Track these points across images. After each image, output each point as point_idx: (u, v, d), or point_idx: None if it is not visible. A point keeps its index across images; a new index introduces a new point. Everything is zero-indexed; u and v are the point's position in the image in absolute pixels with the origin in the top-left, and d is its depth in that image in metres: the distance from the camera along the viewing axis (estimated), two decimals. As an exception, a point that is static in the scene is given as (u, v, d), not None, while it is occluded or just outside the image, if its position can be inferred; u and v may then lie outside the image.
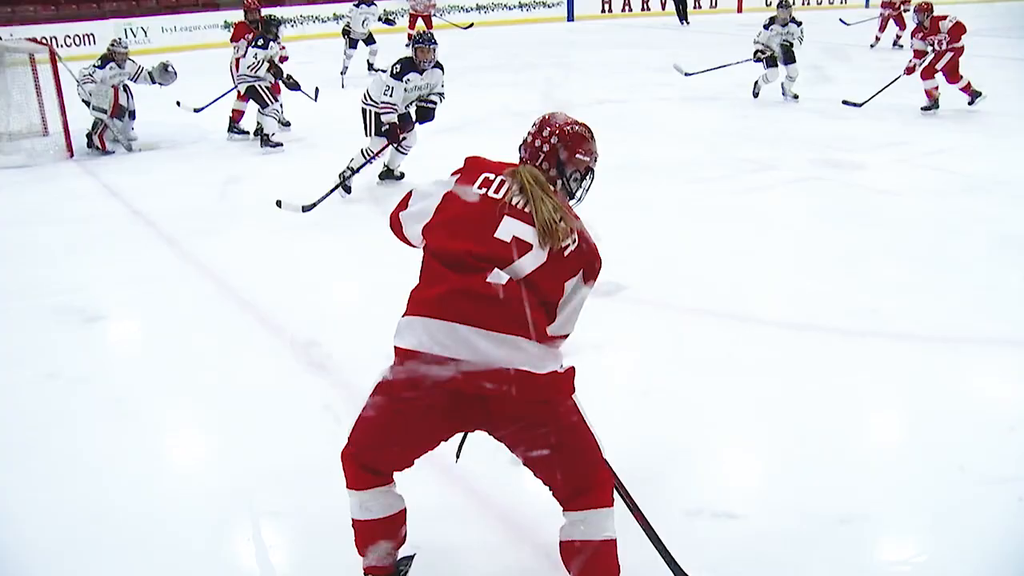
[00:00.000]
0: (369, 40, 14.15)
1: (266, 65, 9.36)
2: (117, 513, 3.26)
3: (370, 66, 14.24)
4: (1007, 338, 4.63)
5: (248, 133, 10.01)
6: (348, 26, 14.04)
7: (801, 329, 4.74)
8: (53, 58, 9.33)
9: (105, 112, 9.44)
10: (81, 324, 5.03)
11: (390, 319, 2.50)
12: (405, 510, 2.65)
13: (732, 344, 4.61)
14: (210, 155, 9.50)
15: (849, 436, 3.74)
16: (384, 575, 2.65)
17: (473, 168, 2.61)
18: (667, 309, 5.06)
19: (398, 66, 7.18)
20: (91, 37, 18.44)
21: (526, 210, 2.46)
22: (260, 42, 9.35)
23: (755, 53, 11.49)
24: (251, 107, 9.79)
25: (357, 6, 14.04)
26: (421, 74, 7.24)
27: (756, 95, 11.77)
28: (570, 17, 25.21)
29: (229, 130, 10.07)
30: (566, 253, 2.45)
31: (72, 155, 9.32)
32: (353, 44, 14.03)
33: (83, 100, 9.40)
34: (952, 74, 10.51)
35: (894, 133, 9.61)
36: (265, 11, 10.47)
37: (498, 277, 2.37)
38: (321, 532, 3.02)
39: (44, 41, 10.39)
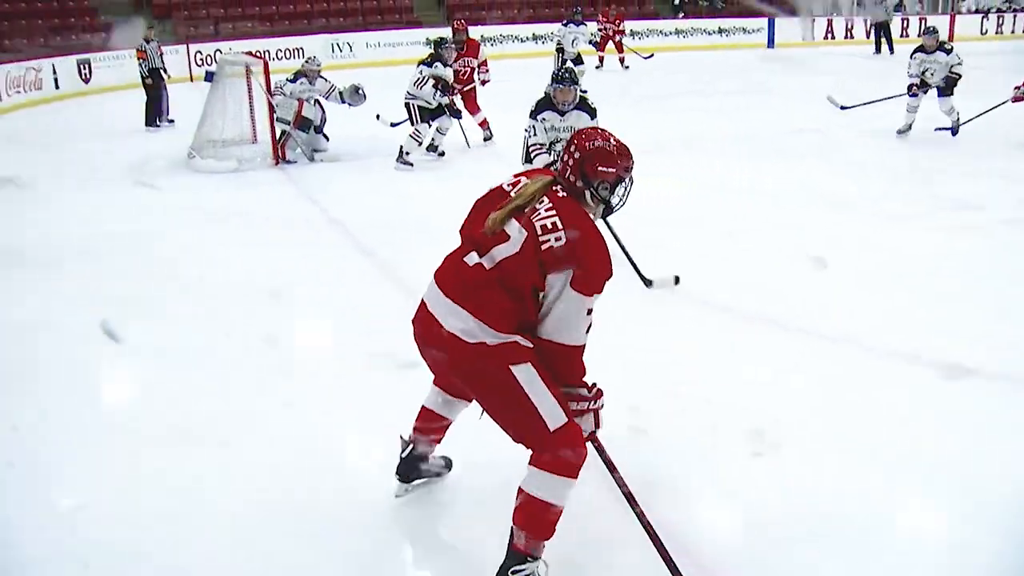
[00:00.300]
0: (577, 60, 14.18)
1: (431, 82, 9.53)
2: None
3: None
4: None
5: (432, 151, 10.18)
6: (560, 45, 14.14)
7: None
8: (267, 70, 9.73)
9: (288, 123, 9.86)
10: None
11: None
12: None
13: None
14: (388, 169, 9.63)
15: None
16: None
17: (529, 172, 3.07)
18: (863, 350, 4.79)
19: (535, 104, 6.86)
20: (300, 51, 19.23)
21: None
22: (427, 60, 9.70)
23: (909, 87, 10.61)
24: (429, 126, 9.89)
25: (566, 25, 14.16)
26: (561, 115, 6.76)
27: (902, 131, 10.79)
28: (770, 43, 24.81)
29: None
30: (543, 248, 2.74)
31: (277, 163, 9.74)
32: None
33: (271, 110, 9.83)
34: None
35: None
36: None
37: (471, 258, 2.84)
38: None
39: (258, 54, 10.90)
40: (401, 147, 9.57)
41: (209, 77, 10.85)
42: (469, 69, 10.91)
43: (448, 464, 3.50)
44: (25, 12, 20.15)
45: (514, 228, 2.80)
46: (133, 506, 3.39)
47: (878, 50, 22.39)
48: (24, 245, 7.04)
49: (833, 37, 24.85)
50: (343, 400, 4.25)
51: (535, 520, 2.82)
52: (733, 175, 9.00)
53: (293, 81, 9.83)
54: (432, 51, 9.91)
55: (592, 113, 6.83)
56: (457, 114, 10.01)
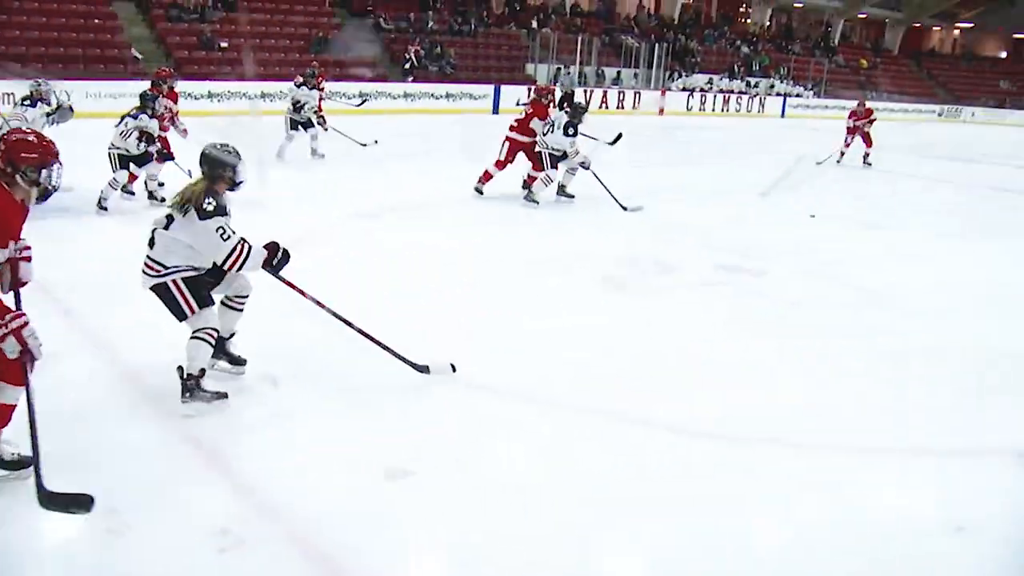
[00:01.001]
0: (308, 124, 13.94)
1: (136, 134, 9.54)
2: None
3: (313, 151, 14.23)
4: (905, 447, 4.80)
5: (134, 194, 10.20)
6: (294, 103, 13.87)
7: (695, 436, 4.80)
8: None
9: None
10: None
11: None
12: None
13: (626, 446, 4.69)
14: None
15: (738, 537, 3.82)
16: None
17: None
18: (556, 408, 5.10)
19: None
20: (10, 96, 18.26)
21: None
22: (132, 112, 9.70)
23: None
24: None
25: (299, 87, 14.00)
26: None
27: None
28: (495, 110, 25.77)
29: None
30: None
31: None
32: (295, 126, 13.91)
33: None
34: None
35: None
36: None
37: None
38: None
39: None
40: (101, 192, 9.49)
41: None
42: (170, 113, 10.88)
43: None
44: None
45: None
46: None
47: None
48: None
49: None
50: None
51: None
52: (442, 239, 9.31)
53: (33, 106, 9.49)
54: (139, 103, 9.79)
55: None
56: (169, 156, 9.95)
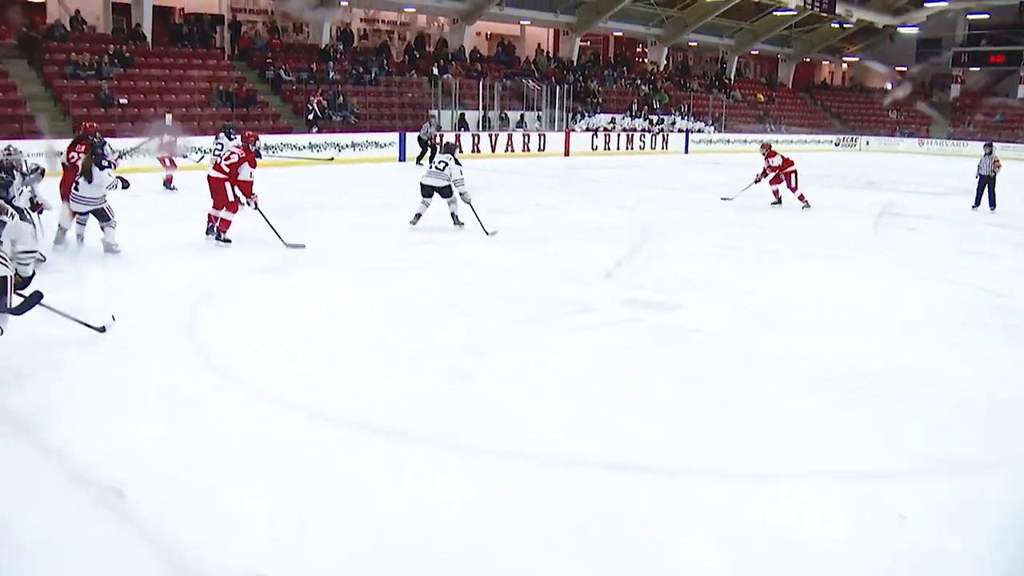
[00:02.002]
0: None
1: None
2: None
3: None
4: (812, 470, 4.84)
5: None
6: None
7: (616, 469, 4.80)
8: None
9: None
10: None
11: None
12: None
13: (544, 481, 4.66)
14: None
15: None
16: None
17: None
18: (466, 449, 5.08)
19: None
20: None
21: None
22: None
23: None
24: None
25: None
26: None
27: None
28: (402, 157, 25.81)
29: None
30: None
31: None
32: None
33: None
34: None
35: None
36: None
37: None
38: None
39: None
40: None
41: None
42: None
43: None
44: None
45: None
46: None
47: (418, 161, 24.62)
48: None
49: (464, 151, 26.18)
50: None
51: None
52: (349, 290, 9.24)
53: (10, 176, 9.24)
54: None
55: None
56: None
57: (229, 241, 11.17)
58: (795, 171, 16.61)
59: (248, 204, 11.15)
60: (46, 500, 4.33)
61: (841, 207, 17.64)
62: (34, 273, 6.33)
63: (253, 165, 11.21)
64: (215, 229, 11.24)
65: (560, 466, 4.82)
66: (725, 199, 17.34)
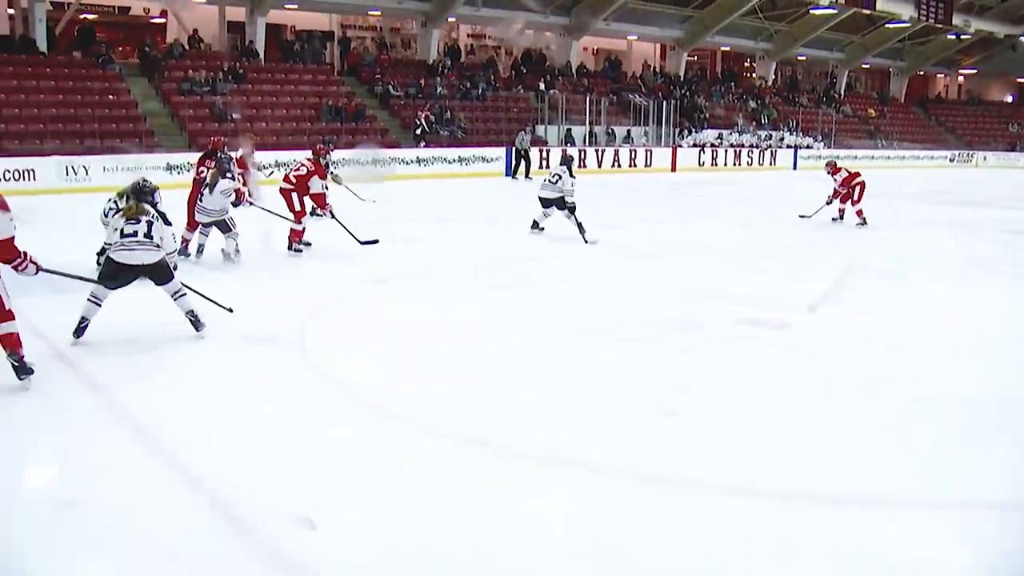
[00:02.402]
0: None
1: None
2: None
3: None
4: (927, 500, 4.71)
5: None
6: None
7: (729, 493, 4.74)
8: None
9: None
10: None
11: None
12: None
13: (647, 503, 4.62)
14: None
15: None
16: None
17: None
18: (581, 468, 5.04)
19: None
20: (31, 173, 18.57)
21: None
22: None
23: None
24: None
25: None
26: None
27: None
28: (508, 172, 25.94)
29: None
30: None
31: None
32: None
33: None
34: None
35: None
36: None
37: None
38: None
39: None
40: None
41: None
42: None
43: None
44: None
45: None
46: None
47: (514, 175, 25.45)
48: None
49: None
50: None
51: None
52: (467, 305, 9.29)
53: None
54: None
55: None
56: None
57: (300, 251, 11.57)
58: (862, 183, 16.02)
59: (323, 215, 11.64)
60: (155, 496, 4.51)
61: (958, 225, 17.13)
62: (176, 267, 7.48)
63: (323, 177, 11.82)
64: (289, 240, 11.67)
65: (684, 488, 4.78)
66: (803, 216, 16.88)
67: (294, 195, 11.51)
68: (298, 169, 11.77)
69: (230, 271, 10.38)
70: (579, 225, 12.78)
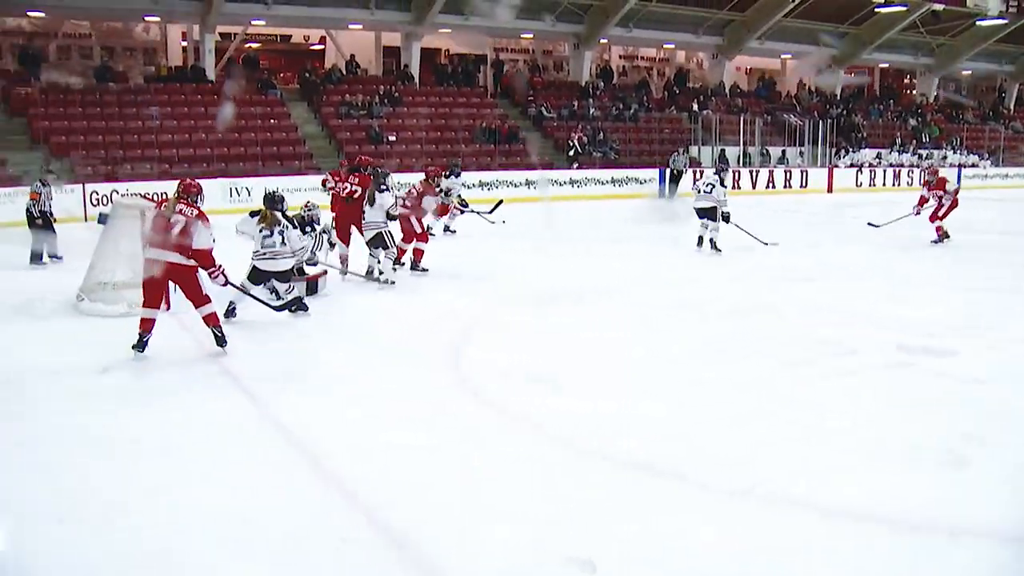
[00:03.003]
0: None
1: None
2: None
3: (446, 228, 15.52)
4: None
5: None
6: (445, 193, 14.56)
7: (890, 523, 4.58)
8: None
9: None
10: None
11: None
12: None
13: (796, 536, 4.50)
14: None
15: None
16: None
17: None
18: (742, 496, 4.95)
19: None
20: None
21: None
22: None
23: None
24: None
25: (447, 176, 14.73)
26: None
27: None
28: (663, 193, 25.73)
29: None
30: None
31: (168, 308, 8.55)
32: None
33: None
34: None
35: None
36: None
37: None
38: None
39: (152, 197, 10.91)
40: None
41: (102, 219, 10.77)
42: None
43: None
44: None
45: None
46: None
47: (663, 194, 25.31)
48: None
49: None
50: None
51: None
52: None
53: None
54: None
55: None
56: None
57: (427, 270, 11.95)
58: (956, 200, 15.94)
59: (453, 218, 13.49)
60: (308, 504, 4.62)
61: None
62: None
63: (435, 195, 12.53)
64: (411, 261, 12.01)
65: (846, 520, 4.63)
66: (872, 225, 16.44)
67: (412, 219, 11.83)
68: (409, 193, 12.21)
69: (380, 289, 10.80)
70: (748, 231, 13.38)
